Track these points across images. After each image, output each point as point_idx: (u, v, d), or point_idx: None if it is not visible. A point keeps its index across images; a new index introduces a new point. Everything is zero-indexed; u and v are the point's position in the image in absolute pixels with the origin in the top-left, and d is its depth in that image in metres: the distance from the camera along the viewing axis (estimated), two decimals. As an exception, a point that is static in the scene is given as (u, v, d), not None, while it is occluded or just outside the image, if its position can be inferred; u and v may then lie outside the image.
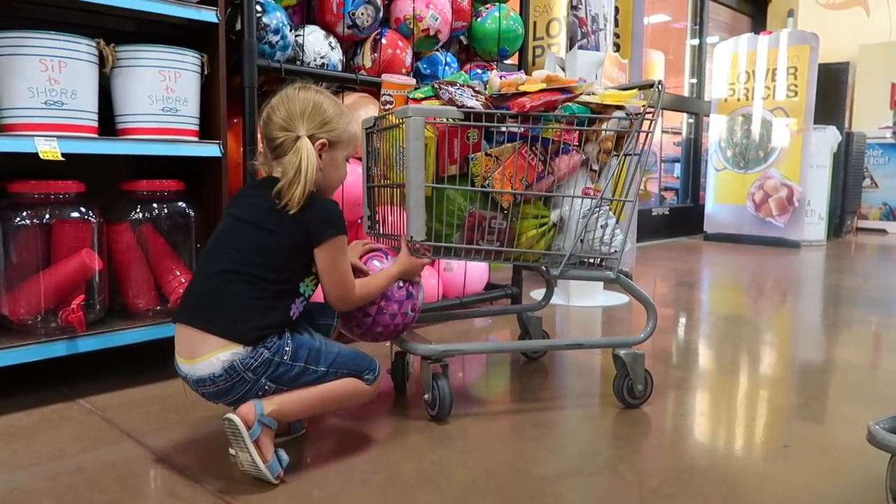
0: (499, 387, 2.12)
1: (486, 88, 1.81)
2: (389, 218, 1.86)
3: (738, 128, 6.19)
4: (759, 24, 7.98)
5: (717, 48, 6.41)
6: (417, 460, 1.51)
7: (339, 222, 1.48)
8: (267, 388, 1.40)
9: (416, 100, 1.80)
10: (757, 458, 1.57)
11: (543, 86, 1.71)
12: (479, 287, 3.01)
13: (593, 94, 1.78)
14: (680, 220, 6.68)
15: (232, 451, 1.48)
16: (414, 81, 1.90)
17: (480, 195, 1.72)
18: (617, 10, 3.85)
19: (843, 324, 3.02)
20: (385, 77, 1.90)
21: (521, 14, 3.03)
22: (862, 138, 6.91)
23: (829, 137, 6.20)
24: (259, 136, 1.56)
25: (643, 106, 1.74)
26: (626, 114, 1.75)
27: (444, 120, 1.67)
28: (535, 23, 4.06)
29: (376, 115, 1.89)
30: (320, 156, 1.48)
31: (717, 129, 6.33)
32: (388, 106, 1.85)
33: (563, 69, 3.31)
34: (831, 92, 7.02)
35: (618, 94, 1.77)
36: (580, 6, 3.30)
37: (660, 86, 1.72)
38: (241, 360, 1.36)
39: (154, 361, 2.11)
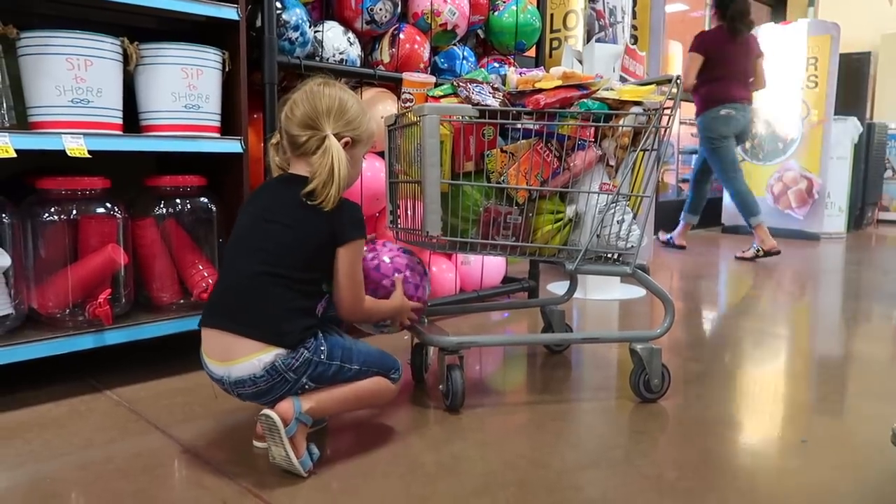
0: (516, 379, 2.14)
1: (504, 85, 1.82)
2: (409, 212, 1.89)
3: (756, 119, 6.13)
4: (778, 13, 7.88)
5: (735, 38, 6.34)
6: (437, 452, 1.53)
7: (364, 226, 1.51)
8: (307, 387, 1.42)
9: (435, 97, 1.82)
10: (774, 452, 1.58)
11: (559, 83, 1.73)
12: (496, 280, 3.03)
13: (611, 89, 1.79)
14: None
15: (258, 444, 1.52)
16: (434, 80, 1.92)
17: (496, 191, 1.75)
18: (635, 1, 3.82)
19: (863, 317, 3.00)
20: (406, 76, 1.93)
21: (538, 7, 3.02)
22: (884, 129, 6.82)
23: (850, 128, 6.12)
24: (279, 128, 1.54)
25: (661, 101, 1.74)
26: (644, 109, 1.76)
27: (460, 118, 1.70)
28: (552, 15, 4.04)
29: (398, 112, 1.92)
30: None
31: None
32: (408, 104, 1.88)
33: (580, 62, 3.30)
34: (852, 82, 6.93)
35: (635, 90, 1.77)
36: (598, -1, 3.29)
37: (678, 81, 1.73)
38: (282, 360, 1.37)
39: (178, 354, 2.15)
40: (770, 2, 7.95)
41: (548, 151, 1.74)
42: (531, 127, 1.73)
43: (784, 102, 5.95)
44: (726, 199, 6.38)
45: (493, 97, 1.76)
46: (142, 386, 1.93)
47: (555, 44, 4.07)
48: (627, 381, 1.89)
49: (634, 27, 3.90)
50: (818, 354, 2.44)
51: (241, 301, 1.41)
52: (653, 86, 1.82)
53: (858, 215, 6.68)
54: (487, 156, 1.75)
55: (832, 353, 2.43)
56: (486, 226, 1.76)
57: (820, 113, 5.78)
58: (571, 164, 1.76)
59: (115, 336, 1.88)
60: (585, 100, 1.75)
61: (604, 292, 3.30)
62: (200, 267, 2.08)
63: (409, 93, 1.87)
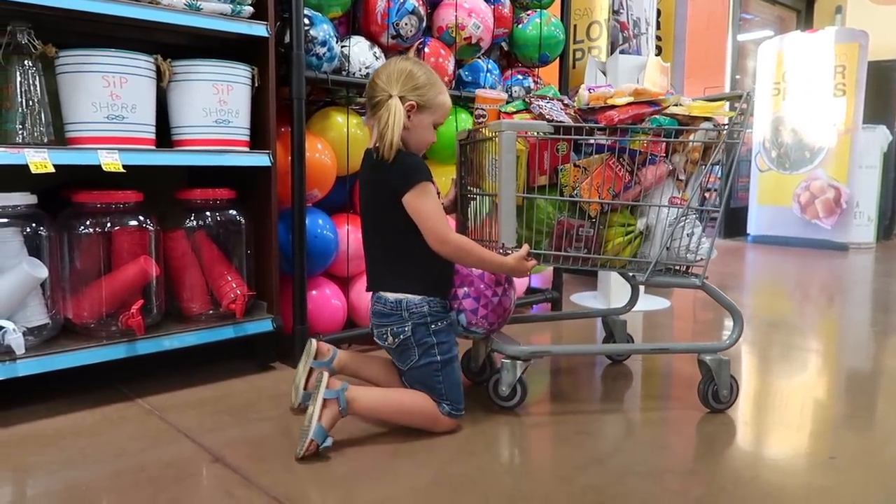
0: (542, 392, 2.14)
1: (574, 101, 1.88)
2: (478, 224, 1.95)
3: (783, 128, 6.07)
4: (805, 21, 7.80)
5: (761, 47, 6.30)
6: (464, 464, 1.54)
7: (419, 171, 1.65)
8: (406, 332, 1.67)
9: (508, 114, 1.88)
10: (802, 469, 1.56)
11: (631, 99, 1.77)
12: (519, 291, 3.03)
13: (681, 105, 1.82)
14: (723, 221, 6.57)
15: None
16: (505, 96, 1.98)
17: (569, 204, 1.81)
18: (658, 12, 3.82)
19: (893, 331, 2.96)
20: (479, 92, 1.99)
21: (562, 19, 3.04)
22: (914, 137, 6.70)
23: (879, 137, 6.03)
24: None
25: (732, 116, 1.79)
26: (714, 125, 1.79)
27: (535, 133, 1.75)
28: (575, 26, 4.05)
29: (470, 128, 1.99)
30: (409, 117, 1.67)
31: (761, 129, 6.22)
32: (481, 119, 1.93)
33: (604, 73, 3.31)
34: (882, 90, 6.81)
35: (706, 106, 1.81)
36: (622, 11, 3.30)
37: (748, 97, 1.75)
38: (407, 301, 1.68)
39: (207, 363, 2.19)
40: (797, 9, 7.88)
41: (619, 166, 1.79)
42: (604, 142, 1.78)
43: (811, 111, 5.88)
44: (753, 208, 6.33)
45: (564, 113, 1.82)
46: (171, 395, 1.96)
47: (578, 55, 4.08)
48: (652, 391, 1.88)
49: (658, 38, 3.90)
50: (847, 368, 2.40)
51: (376, 271, 1.76)
52: (723, 102, 1.84)
53: (888, 225, 6.57)
54: (561, 170, 1.80)
55: (861, 368, 2.40)
56: (558, 238, 1.81)
57: (848, 122, 5.71)
58: (642, 179, 1.80)
59: (146, 346, 1.92)
60: (656, 116, 1.78)
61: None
62: (229, 278, 2.12)
63: (482, 109, 1.92)
